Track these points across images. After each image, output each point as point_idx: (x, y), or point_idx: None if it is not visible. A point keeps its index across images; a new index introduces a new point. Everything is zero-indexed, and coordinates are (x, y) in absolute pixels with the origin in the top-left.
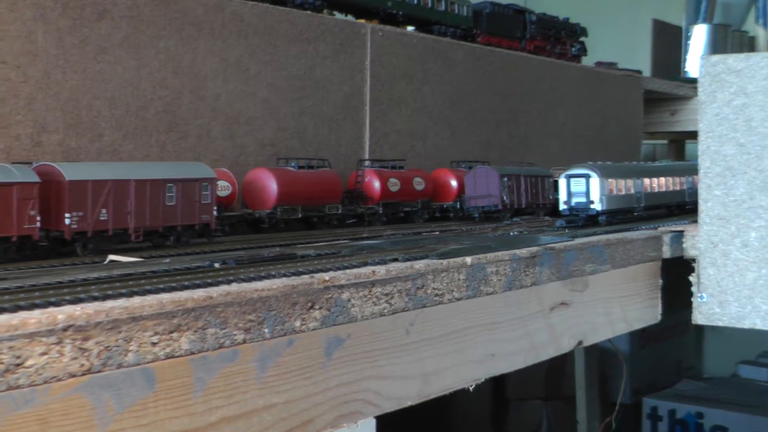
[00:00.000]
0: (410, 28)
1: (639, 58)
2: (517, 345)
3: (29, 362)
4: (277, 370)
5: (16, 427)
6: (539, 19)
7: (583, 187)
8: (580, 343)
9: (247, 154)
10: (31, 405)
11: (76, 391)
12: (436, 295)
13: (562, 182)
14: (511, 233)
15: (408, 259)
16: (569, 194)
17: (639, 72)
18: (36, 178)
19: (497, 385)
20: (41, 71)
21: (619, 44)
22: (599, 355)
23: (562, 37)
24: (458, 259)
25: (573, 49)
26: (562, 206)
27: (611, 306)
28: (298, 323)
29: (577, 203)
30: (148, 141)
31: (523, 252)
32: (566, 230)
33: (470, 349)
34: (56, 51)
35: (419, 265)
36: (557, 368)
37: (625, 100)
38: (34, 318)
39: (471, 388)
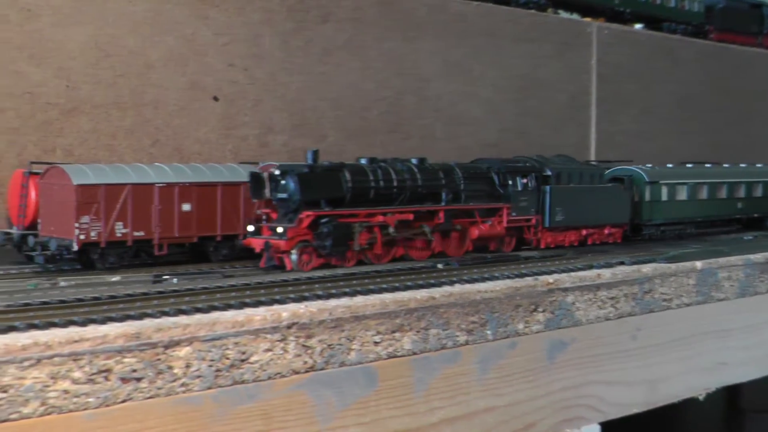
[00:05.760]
0: (638, 26)
1: None
2: (750, 354)
3: (254, 358)
4: (499, 373)
5: (240, 421)
6: None
7: None
8: None
9: (469, 155)
10: (255, 400)
11: (299, 388)
12: (664, 300)
13: None
14: (745, 237)
15: (634, 263)
16: None
17: None
18: None
19: (731, 395)
20: (267, 73)
21: None
22: None
23: None
24: (687, 263)
25: None
26: None
27: None
28: (521, 326)
29: None
30: (372, 141)
31: (758, 257)
32: None
33: (700, 356)
34: (282, 53)
35: (646, 268)
36: None
37: None
38: (259, 315)
39: (701, 398)
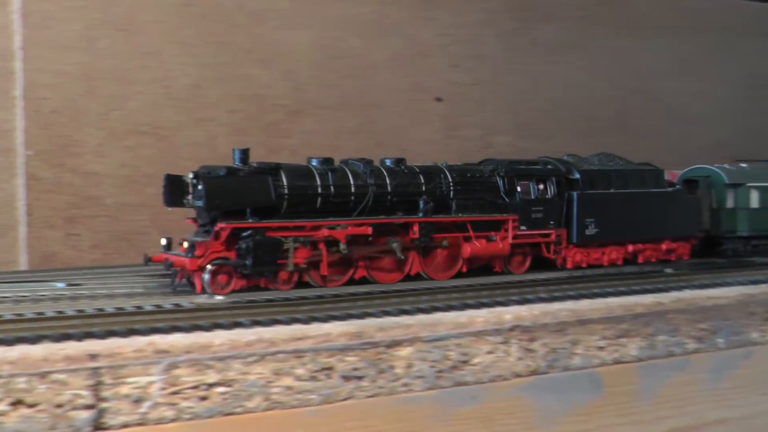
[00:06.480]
0: None
1: None
2: None
3: (476, 360)
4: (732, 383)
5: (461, 423)
6: None
7: None
8: None
9: (702, 156)
10: (476, 402)
11: (521, 391)
12: None
13: None
14: None
15: None
16: None
17: None
18: None
19: None
20: (490, 73)
21: None
22: None
23: None
24: None
25: None
26: None
27: None
28: (756, 335)
29: None
30: (599, 141)
31: None
32: None
33: None
34: (505, 53)
35: None
36: None
37: None
38: (481, 317)
39: None
